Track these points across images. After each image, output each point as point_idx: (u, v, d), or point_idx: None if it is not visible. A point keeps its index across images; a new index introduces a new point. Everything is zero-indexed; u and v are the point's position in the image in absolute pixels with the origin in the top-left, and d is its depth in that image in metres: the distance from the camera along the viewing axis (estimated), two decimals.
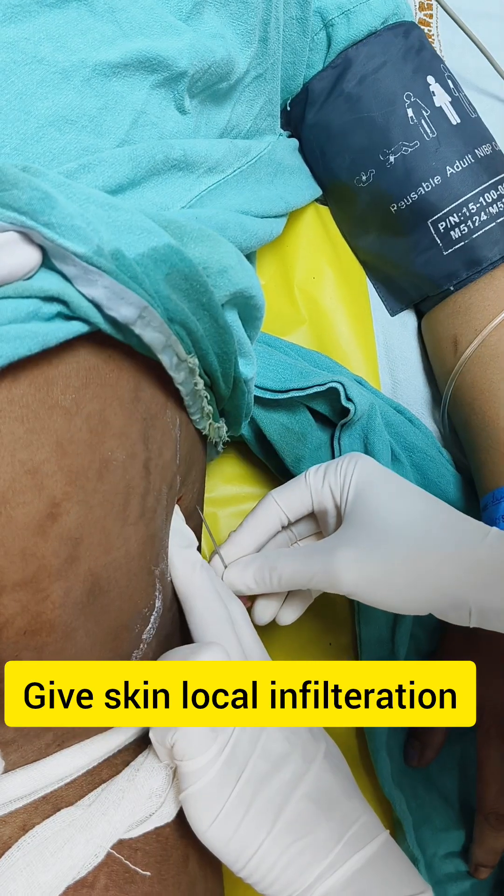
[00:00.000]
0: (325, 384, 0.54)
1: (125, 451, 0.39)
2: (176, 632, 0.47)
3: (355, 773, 0.56)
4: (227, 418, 0.52)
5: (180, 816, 0.41)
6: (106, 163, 0.40)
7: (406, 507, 0.45)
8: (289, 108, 0.66)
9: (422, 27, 0.71)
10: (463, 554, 0.42)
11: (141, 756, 0.42)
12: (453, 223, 0.62)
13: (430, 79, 0.63)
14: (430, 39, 0.77)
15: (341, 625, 0.60)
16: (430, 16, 0.78)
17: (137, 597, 0.41)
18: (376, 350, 0.67)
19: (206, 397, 0.45)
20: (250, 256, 0.57)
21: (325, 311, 0.65)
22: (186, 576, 0.45)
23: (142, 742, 0.44)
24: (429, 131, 0.62)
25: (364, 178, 0.64)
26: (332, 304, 0.65)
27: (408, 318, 0.69)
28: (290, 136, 0.67)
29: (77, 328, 0.36)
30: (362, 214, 0.66)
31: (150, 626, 0.42)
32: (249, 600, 0.50)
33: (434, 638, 0.62)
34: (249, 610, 0.50)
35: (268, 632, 0.59)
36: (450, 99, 0.63)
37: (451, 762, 0.61)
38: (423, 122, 0.62)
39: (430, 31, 0.78)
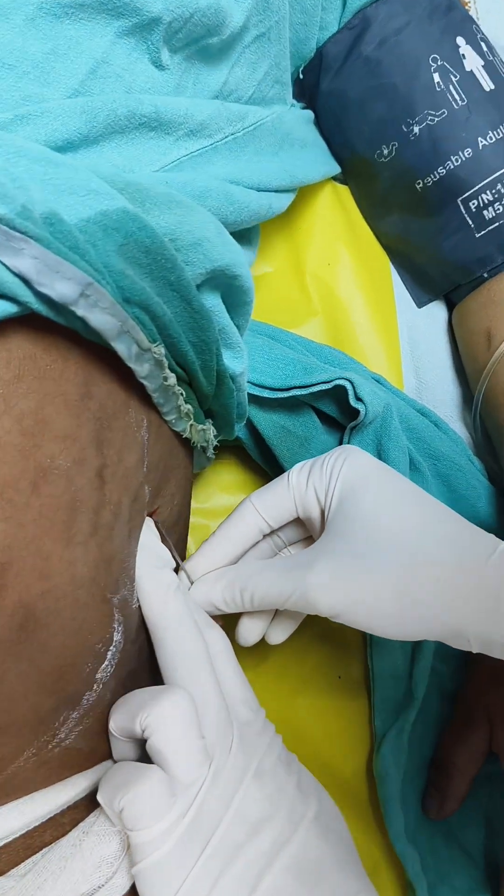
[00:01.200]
0: (331, 381, 0.47)
1: (70, 458, 0.32)
2: (144, 667, 0.40)
3: (363, 825, 0.49)
4: (216, 420, 0.46)
5: (134, 890, 0.34)
6: (51, 114, 0.34)
7: (398, 512, 0.38)
8: (301, 76, 0.59)
9: None
10: (461, 575, 0.35)
11: (92, 815, 0.36)
12: (486, 201, 0.55)
13: (460, 40, 0.56)
14: (465, 6, 0.69)
15: (353, 654, 0.53)
16: None
17: (88, 630, 0.35)
18: (399, 345, 0.60)
19: (182, 394, 0.39)
20: (247, 236, 0.50)
21: (342, 302, 0.58)
22: (156, 603, 0.38)
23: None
24: (458, 98, 0.55)
25: (385, 151, 0.57)
26: (349, 294, 0.59)
27: (436, 310, 0.61)
28: (304, 108, 0.60)
29: (3, 308, 0.30)
30: (384, 193, 0.59)
31: (105, 663, 0.36)
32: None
33: (459, 675, 0.54)
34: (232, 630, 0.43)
35: (266, 662, 0.53)
36: (482, 62, 0.56)
37: (475, 814, 0.53)
38: (451, 88, 0.55)
39: None
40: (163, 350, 0.35)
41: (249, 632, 0.43)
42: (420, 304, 0.61)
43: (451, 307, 0.61)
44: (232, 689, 0.39)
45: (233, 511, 0.43)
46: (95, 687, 0.36)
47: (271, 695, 0.51)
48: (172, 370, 0.38)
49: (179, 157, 0.41)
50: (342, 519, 0.39)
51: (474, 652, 0.35)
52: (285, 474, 0.43)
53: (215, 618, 0.42)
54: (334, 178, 0.62)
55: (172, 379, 0.37)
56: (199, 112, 0.42)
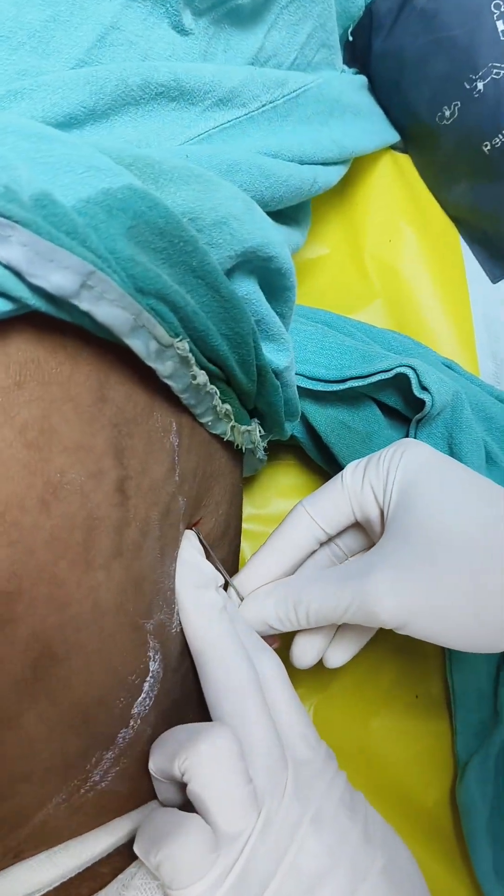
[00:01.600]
0: (392, 370, 0.42)
1: (84, 471, 0.29)
2: (190, 697, 0.36)
3: (448, 861, 0.44)
4: (264, 419, 0.41)
5: None
6: (49, 87, 0.30)
7: (464, 508, 0.34)
8: (351, 38, 0.54)
9: None
10: None
11: (133, 866, 0.32)
12: None
13: None
14: None
15: (432, 670, 0.48)
16: None
17: (118, 662, 0.31)
18: (473, 326, 0.54)
19: (217, 394, 0.35)
20: (293, 215, 0.46)
21: (405, 281, 0.53)
22: (199, 626, 0.34)
23: None
24: None
25: (448, 113, 0.52)
26: (413, 273, 0.53)
27: None
28: (357, 73, 0.55)
29: None
30: (449, 159, 0.54)
31: (142, 696, 0.32)
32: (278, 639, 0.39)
33: None
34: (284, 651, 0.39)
35: (337, 682, 0.48)
36: None
37: None
38: None
39: None
40: (187, 345, 0.31)
41: (304, 653, 0.39)
42: (495, 280, 0.56)
43: None
44: (287, 722, 0.34)
45: (284, 518, 0.39)
46: (132, 723, 0.32)
47: (343, 717, 0.47)
48: (204, 367, 0.34)
49: (208, 129, 0.37)
50: (403, 518, 0.35)
51: None
52: (339, 474, 0.38)
53: (272, 639, 0.38)
54: (393, 147, 0.57)
55: (203, 377, 0.33)
56: (227, 79, 0.38)
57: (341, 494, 0.38)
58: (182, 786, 0.33)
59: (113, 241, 0.27)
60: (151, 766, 0.32)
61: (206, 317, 0.32)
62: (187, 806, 0.32)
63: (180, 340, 0.31)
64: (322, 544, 0.40)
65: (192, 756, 0.30)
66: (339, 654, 0.40)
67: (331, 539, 0.40)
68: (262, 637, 0.37)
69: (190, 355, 0.31)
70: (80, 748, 0.31)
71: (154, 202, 0.28)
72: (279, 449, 0.51)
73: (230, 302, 0.33)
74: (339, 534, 0.40)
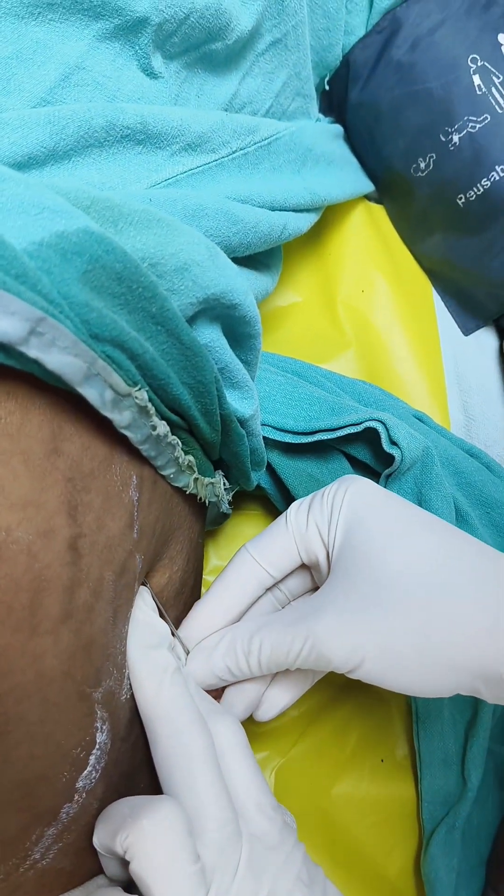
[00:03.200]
0: (362, 423, 0.41)
1: (32, 529, 0.27)
2: (141, 767, 0.34)
3: None
4: (228, 470, 0.40)
5: None
6: (8, 125, 0.29)
7: (409, 543, 0.33)
8: (328, 87, 0.54)
9: None
10: (486, 607, 0.31)
11: None
12: None
13: (503, 37, 0.50)
14: None
15: (398, 733, 0.46)
16: None
17: (62, 734, 0.29)
18: (444, 378, 0.53)
19: (179, 445, 0.33)
20: (265, 261, 0.45)
21: (378, 331, 0.53)
22: (149, 691, 0.32)
23: None
24: (502, 101, 0.49)
25: (423, 165, 0.51)
26: (386, 323, 0.53)
27: (485, 338, 0.55)
28: (333, 123, 0.55)
29: None
30: (423, 211, 0.54)
31: (88, 769, 0.30)
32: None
33: None
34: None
35: (300, 744, 0.46)
36: None
37: None
38: (493, 90, 0.49)
39: None
40: (146, 394, 0.30)
41: (232, 706, 0.37)
42: (467, 332, 0.55)
43: (501, 334, 0.55)
44: (243, 792, 0.32)
45: (228, 563, 0.37)
46: (77, 798, 0.30)
47: (305, 783, 0.45)
48: (165, 417, 0.32)
49: (175, 174, 0.37)
50: (349, 556, 0.34)
51: None
52: (283, 514, 0.37)
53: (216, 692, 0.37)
54: (367, 197, 0.57)
55: (163, 428, 0.32)
56: (197, 124, 0.37)
57: (286, 535, 0.37)
58: (127, 863, 0.31)
59: (66, 286, 0.26)
60: (95, 842, 0.30)
61: (167, 365, 0.31)
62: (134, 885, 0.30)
63: (138, 389, 0.29)
64: (267, 590, 0.38)
65: (134, 833, 0.28)
66: (270, 708, 0.38)
67: (276, 584, 0.38)
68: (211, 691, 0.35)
69: (149, 405, 0.30)
70: (19, 826, 0.29)
71: (111, 246, 0.27)
72: (245, 498, 0.50)
73: (192, 349, 0.31)
74: (285, 578, 0.39)
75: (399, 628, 0.31)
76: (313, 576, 0.39)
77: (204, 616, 0.36)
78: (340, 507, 0.35)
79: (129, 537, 0.32)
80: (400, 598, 0.31)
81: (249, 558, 0.37)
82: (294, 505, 0.37)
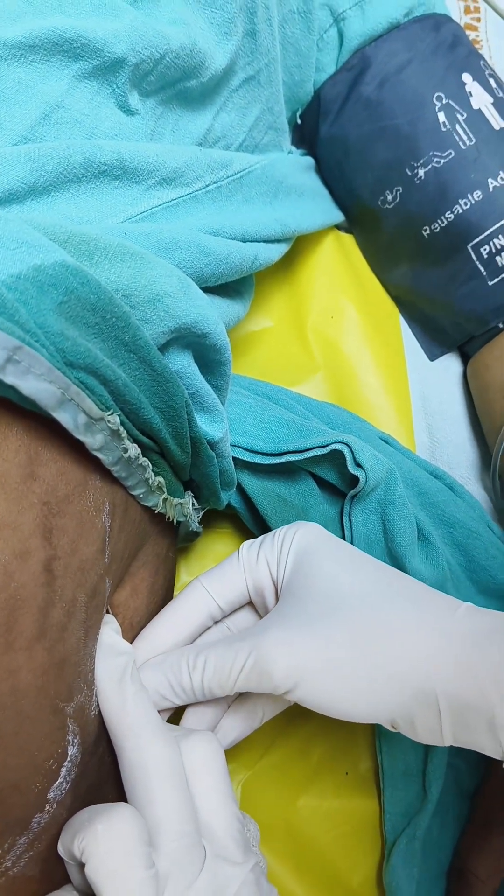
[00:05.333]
0: (327, 445, 0.43)
1: (9, 550, 0.28)
2: (106, 779, 0.35)
3: None
4: (199, 490, 0.41)
5: None
6: None
7: (355, 573, 0.35)
8: (300, 121, 0.56)
9: (462, 28, 0.60)
10: (426, 629, 0.33)
11: None
12: (499, 247, 0.51)
13: (467, 77, 0.52)
14: (476, 45, 0.66)
15: (362, 748, 0.48)
16: (478, 19, 0.68)
17: (36, 746, 0.30)
18: (411, 402, 0.55)
19: (149, 466, 0.35)
20: (237, 289, 0.47)
21: (346, 356, 0.54)
22: (115, 705, 0.34)
23: None
24: (465, 138, 0.51)
25: (390, 197, 0.53)
26: (354, 348, 0.55)
27: (450, 363, 0.57)
28: (304, 155, 0.57)
29: None
30: (390, 242, 0.56)
31: (59, 780, 0.31)
32: None
33: (479, 771, 0.49)
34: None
35: (265, 758, 0.47)
36: (492, 100, 0.52)
37: None
38: (457, 127, 0.51)
39: (476, 36, 0.67)
40: (118, 419, 0.31)
41: (196, 725, 0.38)
42: (432, 358, 0.57)
43: (465, 360, 0.57)
44: (210, 810, 0.34)
45: (179, 593, 0.39)
46: (48, 808, 0.31)
47: (271, 795, 0.46)
48: (136, 440, 0.34)
49: (151, 207, 0.38)
50: (297, 585, 0.36)
51: (446, 742, 0.32)
52: (235, 552, 0.39)
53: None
54: (338, 227, 0.59)
55: (134, 450, 0.33)
56: (172, 159, 0.39)
57: (237, 569, 0.38)
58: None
59: (42, 316, 0.28)
60: (59, 848, 0.31)
61: (139, 390, 0.32)
62: None
63: (111, 413, 0.31)
64: (216, 623, 0.40)
65: (88, 836, 0.29)
66: (223, 738, 0.39)
67: (224, 618, 0.40)
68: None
69: (121, 428, 0.32)
70: None
71: (86, 279, 0.29)
72: (216, 517, 0.51)
73: (163, 376, 0.33)
74: (232, 614, 0.40)
75: (340, 641, 0.32)
76: (259, 615, 0.40)
77: (152, 638, 0.38)
78: (291, 544, 0.37)
79: (101, 562, 0.33)
80: (343, 615, 0.33)
81: (200, 587, 0.39)
82: (246, 543, 0.39)
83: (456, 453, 0.55)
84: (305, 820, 0.46)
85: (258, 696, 0.39)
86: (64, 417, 0.29)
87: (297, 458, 0.43)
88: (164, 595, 0.41)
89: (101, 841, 0.29)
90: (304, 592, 0.35)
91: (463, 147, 0.51)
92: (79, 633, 0.32)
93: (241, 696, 0.40)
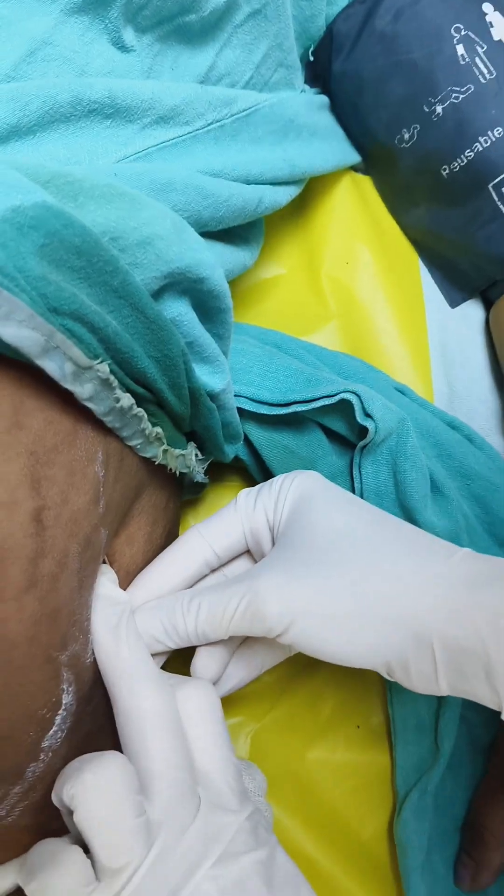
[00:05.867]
0: (336, 395, 0.42)
1: None
2: (103, 728, 0.35)
3: None
4: (202, 442, 0.41)
5: None
6: None
7: (350, 520, 0.34)
8: (312, 58, 0.54)
9: None
10: (422, 572, 0.32)
11: None
12: None
13: (487, 6, 0.49)
14: None
15: (374, 700, 0.47)
16: None
17: (28, 696, 0.30)
18: (429, 351, 0.54)
19: (145, 417, 0.34)
20: (243, 234, 0.45)
21: (361, 304, 0.53)
22: (109, 651, 0.33)
23: None
24: (486, 72, 0.48)
25: (407, 136, 0.51)
26: (370, 295, 0.53)
27: (471, 310, 0.55)
28: (319, 93, 0.55)
29: None
30: (408, 183, 0.53)
31: (53, 729, 0.31)
32: None
33: (493, 724, 0.48)
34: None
35: (275, 711, 0.47)
36: None
37: None
38: (477, 60, 0.48)
39: None
40: (107, 367, 0.30)
41: (206, 666, 0.37)
42: (453, 304, 0.55)
43: (488, 307, 0.55)
44: (206, 757, 0.33)
45: (175, 540, 0.39)
46: (42, 757, 0.31)
47: (281, 748, 0.46)
48: (130, 390, 0.33)
49: (147, 147, 0.37)
50: (292, 530, 0.35)
51: (442, 691, 0.31)
52: (232, 500, 0.39)
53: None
54: (354, 169, 0.56)
55: (127, 400, 0.32)
56: (169, 97, 0.37)
57: (234, 516, 0.38)
58: None
59: (22, 260, 0.27)
60: (53, 797, 0.31)
61: (132, 338, 0.31)
62: None
63: (100, 362, 0.30)
64: (213, 571, 0.39)
65: (77, 785, 0.29)
66: (224, 683, 0.39)
67: (221, 567, 0.40)
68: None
69: (111, 377, 0.31)
70: None
71: (69, 220, 0.27)
72: (226, 470, 0.50)
73: (156, 323, 0.32)
74: (230, 562, 0.40)
75: (334, 583, 0.32)
76: (256, 562, 0.39)
77: (146, 584, 0.37)
78: (289, 491, 0.37)
79: (95, 512, 0.32)
80: (337, 556, 0.33)
81: (196, 534, 0.38)
82: (244, 490, 0.39)
83: (476, 404, 0.53)
84: (315, 773, 0.45)
85: (257, 644, 0.39)
86: (49, 366, 0.28)
87: (304, 409, 0.42)
88: (163, 545, 0.40)
89: (90, 789, 0.29)
90: (298, 537, 0.34)
91: (483, 81, 0.48)
92: (73, 583, 0.31)
93: (242, 645, 0.39)
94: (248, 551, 0.39)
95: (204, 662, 0.37)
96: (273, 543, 0.37)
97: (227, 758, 0.34)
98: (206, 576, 0.39)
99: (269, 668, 0.40)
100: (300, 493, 0.37)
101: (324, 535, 0.34)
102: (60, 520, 0.30)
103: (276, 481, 0.38)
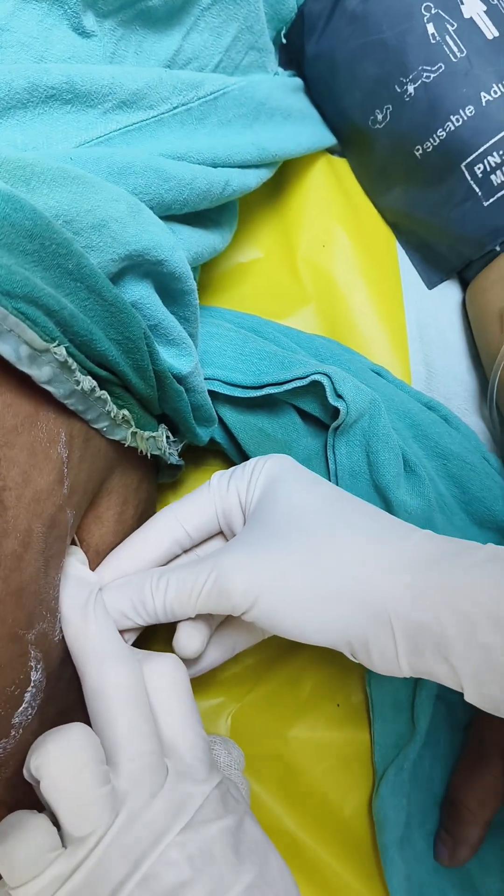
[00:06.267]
0: (307, 377, 0.42)
1: None
2: (77, 705, 0.36)
3: (365, 872, 0.44)
4: (173, 424, 0.41)
5: None
6: None
7: (314, 499, 0.35)
8: (285, 41, 0.54)
9: None
10: (381, 552, 0.32)
11: None
12: (493, 164, 0.48)
13: None
14: None
15: (354, 679, 0.48)
16: None
17: None
18: (407, 332, 0.54)
19: (109, 399, 0.34)
20: (214, 217, 0.45)
21: (338, 286, 0.53)
22: (78, 632, 0.34)
23: None
24: (456, 50, 0.48)
25: (380, 117, 0.51)
26: (347, 277, 0.53)
27: (449, 291, 0.55)
28: (293, 76, 0.55)
29: None
30: (383, 164, 0.53)
31: (24, 706, 0.32)
32: None
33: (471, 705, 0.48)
34: None
35: (256, 691, 0.47)
36: (485, 7, 0.49)
37: (494, 861, 0.47)
38: (447, 38, 0.48)
39: None
40: (64, 350, 0.30)
41: (190, 638, 0.37)
42: (431, 285, 0.55)
43: (465, 288, 0.55)
44: (172, 729, 0.34)
45: (148, 520, 0.39)
46: (13, 733, 0.32)
47: (262, 727, 0.46)
48: (92, 372, 0.33)
49: (108, 132, 0.37)
50: (261, 510, 0.36)
51: (404, 672, 0.31)
52: (206, 482, 0.39)
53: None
54: (330, 151, 0.56)
55: (89, 383, 0.32)
56: (131, 81, 0.37)
57: (206, 497, 0.38)
58: None
59: None
60: (24, 772, 0.32)
61: (91, 321, 0.32)
62: None
63: (56, 345, 0.30)
64: (186, 552, 0.40)
65: (42, 756, 0.30)
66: (197, 662, 0.39)
67: (194, 548, 0.40)
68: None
69: (69, 360, 0.31)
70: None
71: (19, 204, 0.28)
72: (205, 454, 0.51)
73: (115, 306, 0.32)
74: (203, 543, 0.40)
75: (295, 559, 0.32)
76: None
77: (117, 563, 0.38)
78: (261, 473, 0.37)
79: (59, 492, 0.32)
80: (298, 533, 0.33)
81: (170, 515, 0.38)
82: (217, 473, 0.39)
83: (453, 384, 0.53)
84: (296, 751, 0.46)
85: (230, 626, 0.40)
86: (4, 349, 0.28)
87: (277, 391, 0.43)
88: (135, 525, 0.41)
89: (53, 760, 0.30)
90: (266, 516, 0.35)
91: (454, 60, 0.48)
92: (38, 563, 0.32)
93: (218, 626, 0.39)
94: (221, 532, 0.40)
95: (185, 639, 0.38)
96: (243, 523, 0.38)
97: (195, 729, 0.34)
98: (178, 556, 0.39)
99: (241, 650, 0.40)
100: (271, 475, 0.37)
101: (288, 514, 0.34)
102: (23, 500, 0.30)
103: (249, 464, 0.38)
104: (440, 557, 0.31)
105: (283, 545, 0.33)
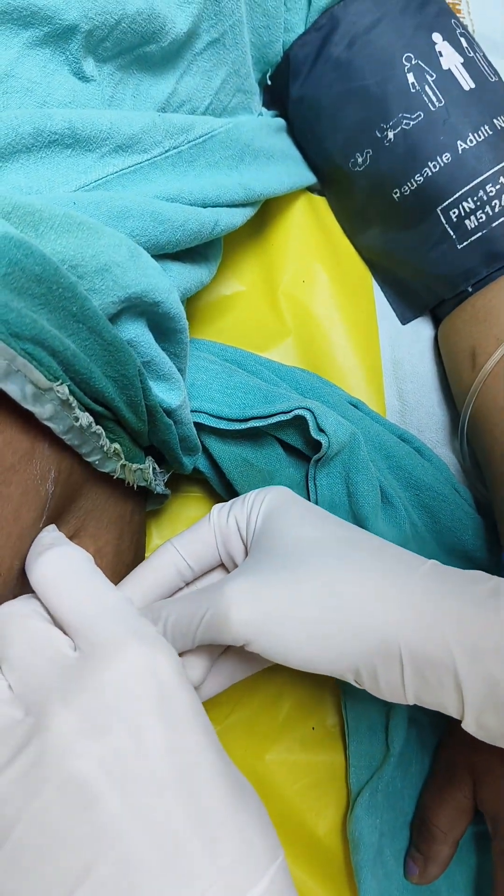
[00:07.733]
0: (291, 411, 0.43)
1: None
2: None
3: (336, 890, 0.45)
4: (159, 455, 0.42)
5: None
6: None
7: (319, 531, 0.36)
8: (270, 82, 0.56)
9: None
10: (390, 583, 0.33)
11: None
12: (468, 210, 0.50)
13: (437, 36, 0.52)
14: (455, 11, 0.65)
15: (328, 703, 0.49)
16: None
17: None
18: (382, 366, 0.56)
19: (102, 434, 0.36)
20: (203, 252, 0.47)
21: (317, 320, 0.55)
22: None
23: None
24: (435, 99, 0.51)
25: (360, 160, 0.53)
26: (325, 312, 0.55)
27: (422, 328, 0.57)
28: (276, 116, 0.57)
29: None
30: (362, 205, 0.56)
31: None
32: None
33: (441, 726, 0.50)
34: None
35: (235, 714, 0.49)
36: (461, 60, 0.51)
37: (461, 878, 0.49)
38: (426, 88, 0.51)
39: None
40: (67, 389, 0.32)
41: (192, 668, 0.38)
42: (405, 321, 0.57)
43: (437, 324, 0.57)
44: None
45: (150, 554, 0.40)
46: None
47: (240, 750, 0.48)
48: (89, 408, 0.34)
49: (105, 175, 0.38)
50: (263, 542, 0.36)
51: (409, 700, 0.32)
52: (206, 515, 0.40)
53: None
54: (311, 190, 0.58)
55: (86, 419, 0.34)
56: (127, 125, 0.39)
57: (207, 529, 0.39)
58: None
59: None
60: None
61: (90, 360, 0.33)
62: None
63: (59, 384, 0.31)
64: (188, 584, 0.40)
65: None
66: (202, 690, 0.40)
67: (196, 580, 0.41)
68: None
69: (71, 398, 0.32)
70: None
71: (30, 250, 0.29)
72: (187, 482, 0.52)
73: (113, 345, 0.33)
74: (204, 576, 0.41)
75: (304, 588, 0.33)
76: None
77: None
78: (261, 505, 0.38)
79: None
80: (307, 565, 0.33)
81: (171, 548, 0.39)
82: (217, 506, 0.40)
83: (426, 417, 0.56)
84: (273, 772, 0.47)
85: (230, 655, 0.40)
86: (11, 388, 0.29)
87: (261, 424, 0.44)
88: (133, 557, 0.42)
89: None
90: (268, 548, 0.35)
91: (432, 108, 0.50)
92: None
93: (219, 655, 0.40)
94: (222, 565, 0.41)
95: (187, 670, 0.38)
96: (246, 556, 0.38)
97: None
98: (181, 588, 0.40)
99: (239, 680, 0.40)
100: (272, 507, 0.38)
101: (294, 545, 0.35)
102: (11, 538, 0.31)
103: (248, 496, 0.39)
104: (449, 588, 0.32)
105: (289, 575, 0.33)
